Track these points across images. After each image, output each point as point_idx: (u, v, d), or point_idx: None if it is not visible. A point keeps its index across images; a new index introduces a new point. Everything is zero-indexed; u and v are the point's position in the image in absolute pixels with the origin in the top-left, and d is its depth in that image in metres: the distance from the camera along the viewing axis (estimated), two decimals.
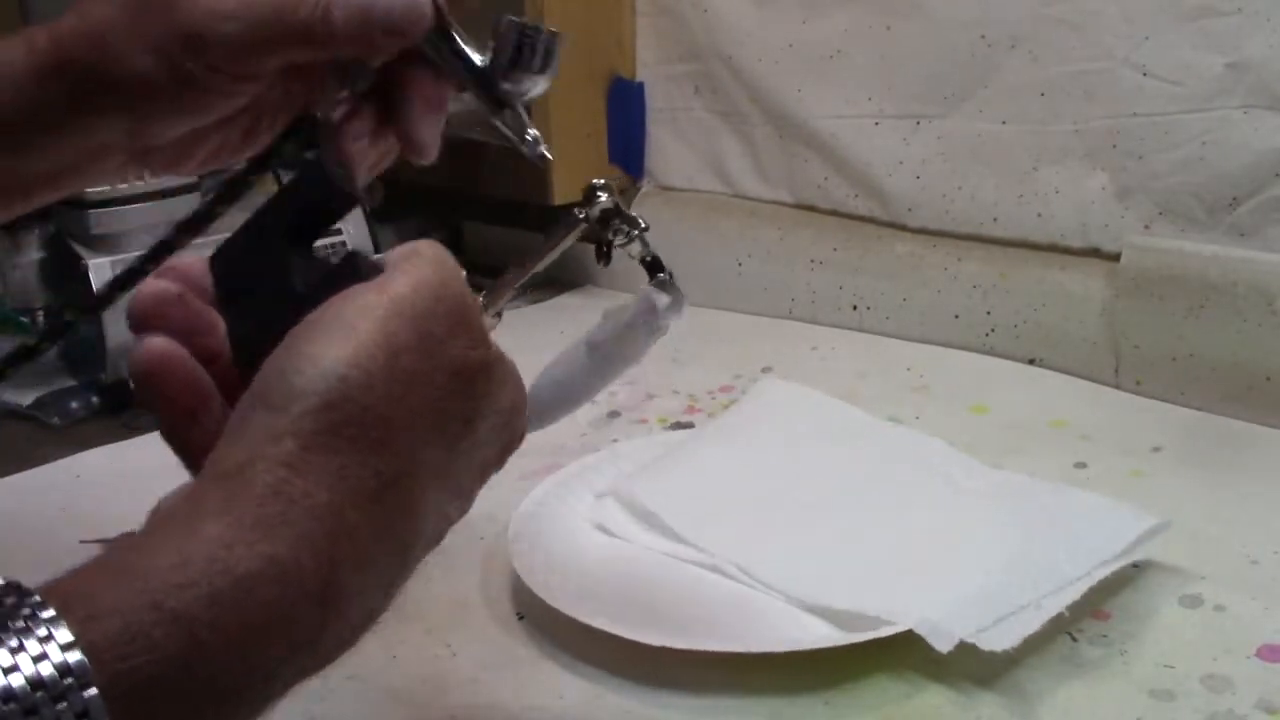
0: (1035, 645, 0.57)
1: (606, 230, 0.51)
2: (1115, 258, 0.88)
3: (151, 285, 0.42)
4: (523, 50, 0.51)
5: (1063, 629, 0.59)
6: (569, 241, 0.49)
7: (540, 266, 0.49)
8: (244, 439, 0.35)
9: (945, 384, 0.90)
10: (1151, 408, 0.85)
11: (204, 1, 0.47)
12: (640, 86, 1.12)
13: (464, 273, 0.41)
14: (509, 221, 1.20)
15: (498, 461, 0.43)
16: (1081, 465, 0.77)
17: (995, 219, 0.95)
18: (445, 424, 0.39)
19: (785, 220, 1.06)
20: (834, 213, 1.04)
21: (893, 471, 0.73)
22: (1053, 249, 0.93)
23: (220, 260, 0.42)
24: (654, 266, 0.55)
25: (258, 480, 0.34)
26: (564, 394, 0.57)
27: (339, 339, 0.36)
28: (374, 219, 1.02)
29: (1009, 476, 0.72)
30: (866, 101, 0.99)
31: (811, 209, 1.06)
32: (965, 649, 0.55)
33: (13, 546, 0.71)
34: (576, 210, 0.49)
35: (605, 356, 0.56)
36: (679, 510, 0.68)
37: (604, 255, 0.51)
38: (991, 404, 0.87)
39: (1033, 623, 0.56)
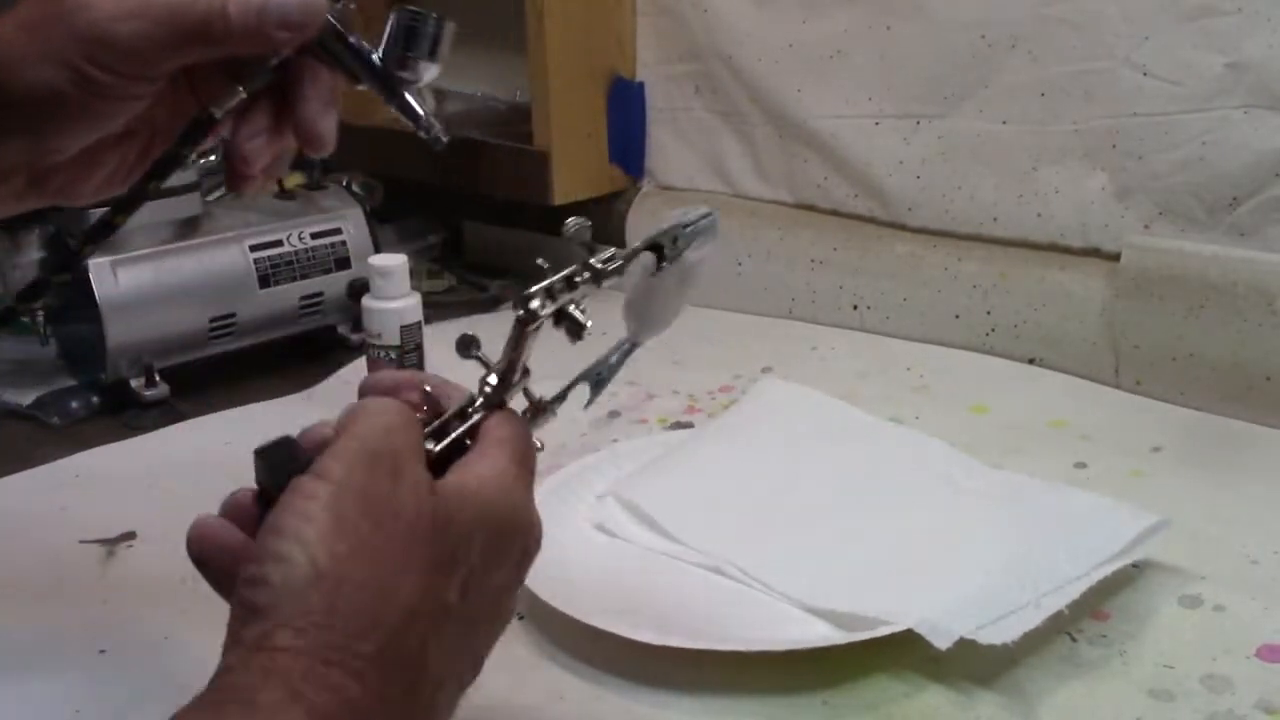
0: (1035, 645, 0.57)
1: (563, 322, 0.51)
2: (1115, 258, 0.88)
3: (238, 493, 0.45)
4: (412, 38, 0.53)
5: (1062, 629, 0.59)
6: (529, 346, 0.49)
7: (517, 375, 0.49)
8: (241, 645, 0.37)
9: (945, 384, 0.90)
10: (1151, 408, 0.85)
11: (102, 6, 0.47)
12: (640, 86, 1.12)
13: (400, 430, 0.42)
14: (509, 221, 1.20)
15: (517, 576, 0.47)
16: (1081, 465, 0.77)
17: (995, 219, 0.95)
18: (426, 570, 0.40)
19: (785, 220, 1.06)
20: (834, 213, 1.04)
21: (893, 472, 0.73)
22: (1053, 249, 0.93)
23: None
24: (658, 250, 0.53)
25: (269, 668, 0.36)
26: (643, 317, 0.56)
27: (299, 532, 0.38)
28: (374, 219, 1.03)
29: (1009, 476, 0.72)
30: (866, 101, 0.99)
31: (811, 209, 1.06)
32: (965, 648, 0.55)
33: (13, 546, 0.71)
34: (521, 314, 0.49)
35: (663, 286, 0.56)
36: (679, 513, 0.68)
37: (575, 334, 0.51)
38: (991, 404, 0.86)
39: (1032, 619, 0.56)
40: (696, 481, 0.72)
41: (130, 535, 0.71)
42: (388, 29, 0.53)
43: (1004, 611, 0.57)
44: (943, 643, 0.55)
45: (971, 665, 0.56)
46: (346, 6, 0.52)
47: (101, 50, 0.47)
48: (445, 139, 0.54)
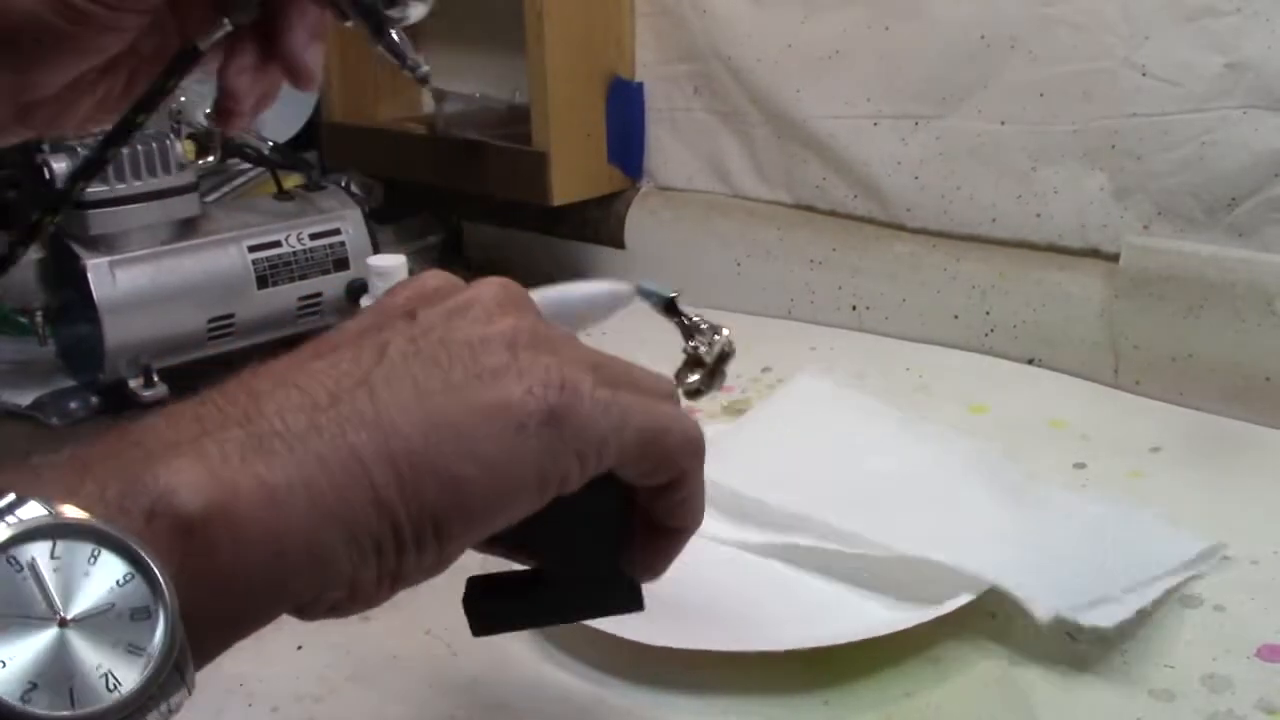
0: (1035, 645, 0.57)
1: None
2: (1114, 258, 0.88)
3: None
4: None
5: (1063, 629, 0.59)
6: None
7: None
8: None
9: (945, 384, 0.90)
10: (1151, 408, 0.85)
11: None
12: (640, 86, 1.12)
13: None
14: (509, 221, 1.20)
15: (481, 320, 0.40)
16: (1081, 465, 0.77)
17: (994, 219, 0.95)
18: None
19: (784, 220, 1.06)
20: (833, 213, 1.04)
21: (955, 474, 0.72)
22: (1052, 249, 0.93)
23: None
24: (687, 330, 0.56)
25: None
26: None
27: None
28: (374, 219, 1.02)
29: (1065, 491, 0.72)
30: (865, 102, 0.99)
31: (810, 209, 1.06)
32: (966, 648, 0.55)
33: None
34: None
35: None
36: (735, 502, 0.68)
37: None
38: (991, 404, 0.87)
39: (1123, 611, 0.57)
40: (749, 475, 0.72)
41: None
42: None
43: (1093, 596, 0.57)
44: (1043, 613, 0.55)
45: (971, 665, 0.57)
46: None
47: None
48: (429, 77, 0.55)
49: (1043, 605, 0.56)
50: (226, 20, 0.51)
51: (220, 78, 0.53)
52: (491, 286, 0.41)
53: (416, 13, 0.55)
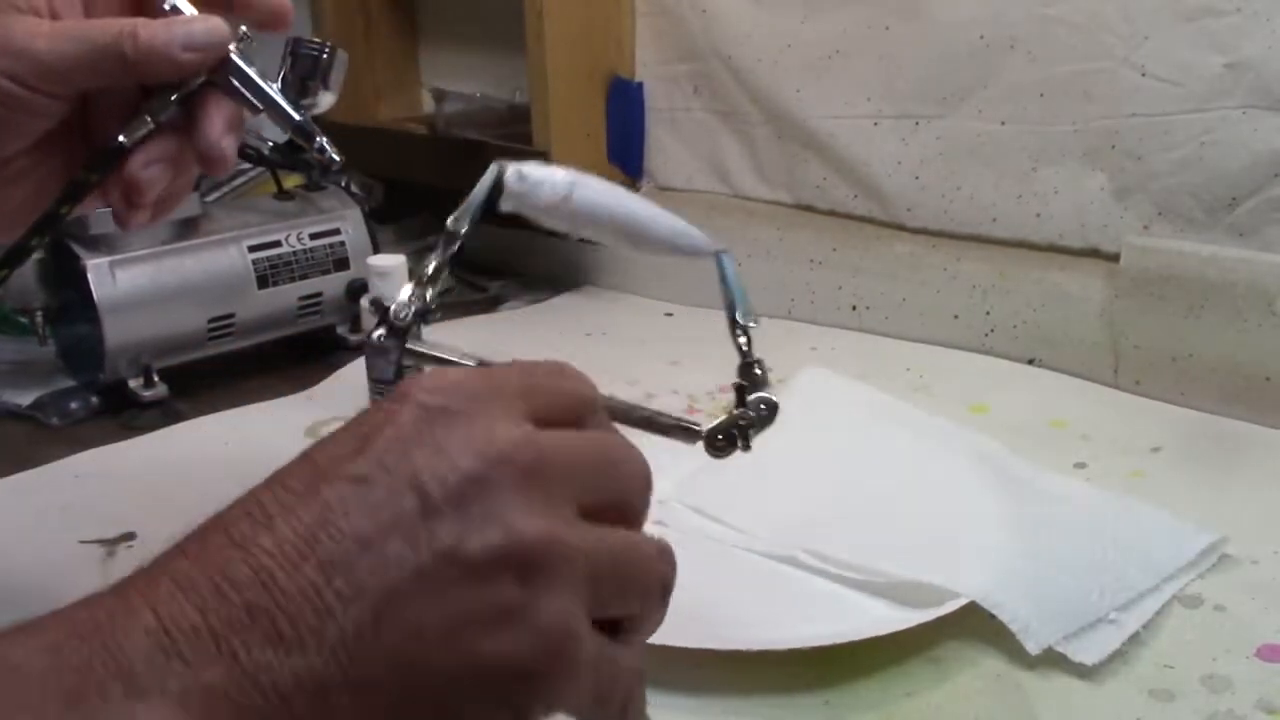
0: None
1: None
2: (1114, 258, 0.88)
3: None
4: (309, 69, 0.57)
5: None
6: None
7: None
8: None
9: (945, 384, 0.90)
10: (1151, 408, 0.85)
11: (18, 25, 0.50)
12: (640, 86, 1.12)
13: None
14: (509, 222, 1.20)
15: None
16: (1081, 465, 0.77)
17: (994, 219, 0.95)
18: None
19: (784, 220, 1.06)
20: (833, 213, 1.04)
21: (955, 469, 0.73)
22: (1052, 249, 0.93)
23: None
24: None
25: None
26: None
27: None
28: (374, 219, 1.02)
29: (1069, 481, 0.72)
30: (865, 102, 0.99)
31: (810, 209, 1.06)
32: (966, 648, 0.55)
33: (13, 546, 0.71)
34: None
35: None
36: (741, 508, 0.69)
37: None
38: (991, 404, 0.87)
39: (1115, 639, 0.57)
40: (755, 476, 0.72)
41: (130, 535, 0.71)
42: (285, 60, 0.57)
43: (1085, 620, 0.58)
44: (1034, 647, 0.56)
45: (971, 665, 0.57)
46: (247, 41, 0.55)
47: (20, 65, 0.50)
48: (340, 160, 0.58)
49: (1034, 637, 0.56)
50: (148, 117, 0.53)
51: (126, 168, 0.54)
52: (524, 453, 0.37)
53: (326, 102, 0.58)
